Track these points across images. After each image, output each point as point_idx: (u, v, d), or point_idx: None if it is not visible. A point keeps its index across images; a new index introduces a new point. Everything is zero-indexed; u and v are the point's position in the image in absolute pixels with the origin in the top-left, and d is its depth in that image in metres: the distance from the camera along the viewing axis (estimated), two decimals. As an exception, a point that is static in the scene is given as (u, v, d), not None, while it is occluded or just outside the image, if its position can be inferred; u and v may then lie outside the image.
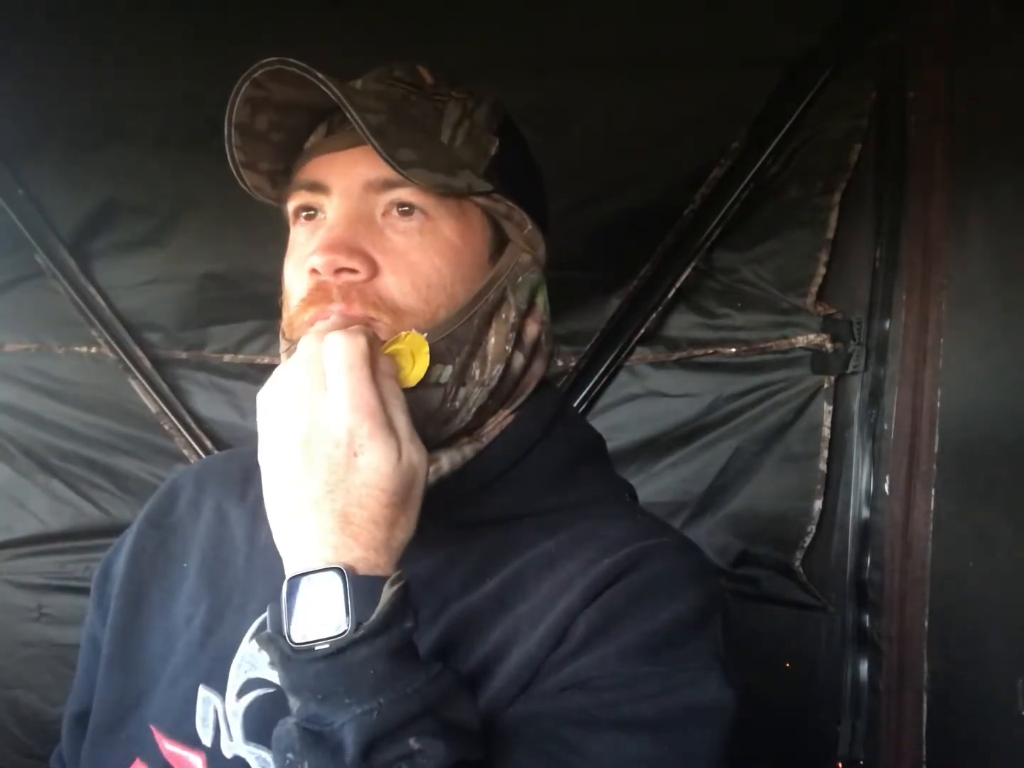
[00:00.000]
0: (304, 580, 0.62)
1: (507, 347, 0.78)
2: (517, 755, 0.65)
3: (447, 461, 0.77)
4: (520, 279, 0.80)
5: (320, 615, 0.61)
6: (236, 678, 0.77)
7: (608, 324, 1.64)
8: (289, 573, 0.63)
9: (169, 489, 0.95)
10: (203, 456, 1.75)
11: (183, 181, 1.69)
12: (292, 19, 1.47)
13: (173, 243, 1.74)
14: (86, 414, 1.83)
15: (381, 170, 0.73)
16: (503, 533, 0.78)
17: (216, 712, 0.77)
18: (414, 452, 0.66)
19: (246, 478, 0.89)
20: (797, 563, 1.53)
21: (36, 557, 1.84)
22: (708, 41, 1.44)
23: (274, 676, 0.66)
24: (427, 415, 0.74)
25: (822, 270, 1.50)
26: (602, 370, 1.65)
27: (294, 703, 0.63)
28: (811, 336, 1.52)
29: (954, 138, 1.34)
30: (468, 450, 0.78)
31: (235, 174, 0.78)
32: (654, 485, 1.63)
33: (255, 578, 0.82)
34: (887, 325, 1.46)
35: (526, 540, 0.77)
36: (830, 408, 1.51)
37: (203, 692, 0.78)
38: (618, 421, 1.65)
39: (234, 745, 0.76)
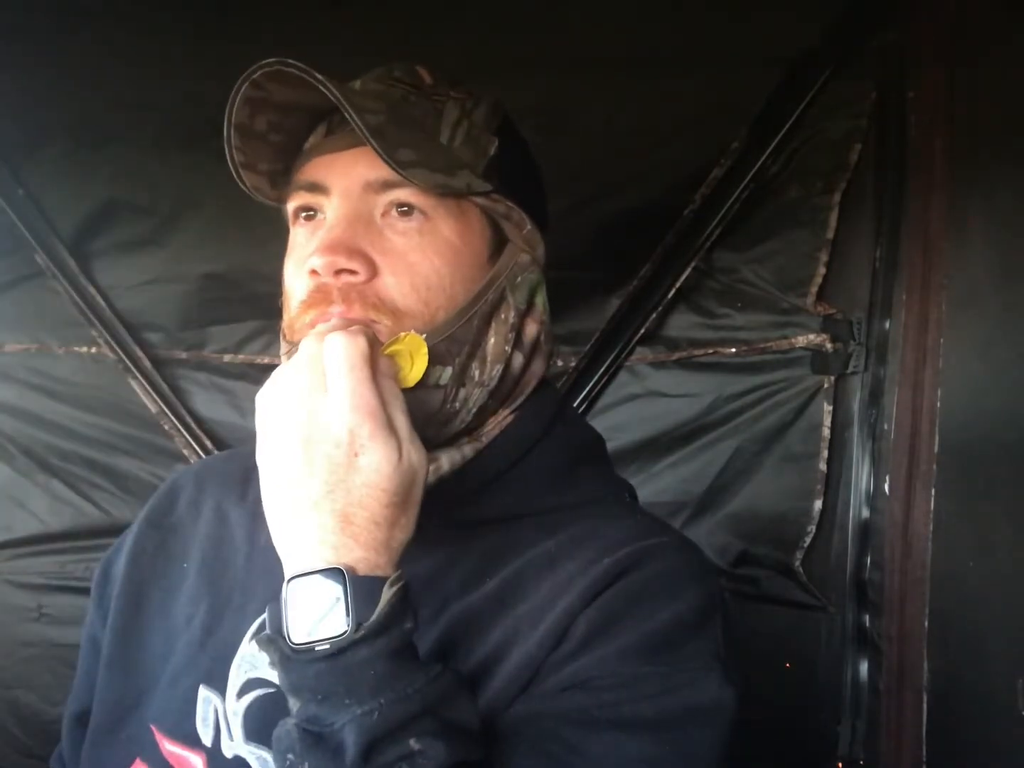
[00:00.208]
0: (304, 580, 0.62)
1: (506, 347, 0.78)
2: (517, 755, 0.65)
3: (447, 461, 0.77)
4: (519, 279, 0.80)
5: (320, 615, 0.61)
6: (236, 678, 0.77)
7: (608, 324, 1.64)
8: (289, 573, 0.63)
9: (169, 489, 0.95)
10: (203, 456, 1.74)
11: (183, 181, 1.69)
12: (292, 19, 1.47)
13: (173, 243, 1.74)
14: (86, 414, 1.83)
15: (380, 170, 0.73)
16: (503, 533, 0.78)
17: (216, 712, 0.77)
18: (414, 452, 0.66)
19: (246, 478, 0.89)
20: (797, 563, 1.52)
21: (36, 557, 1.84)
22: (708, 41, 1.44)
23: (274, 676, 0.65)
24: (428, 416, 0.74)
25: (822, 270, 1.50)
26: (602, 370, 1.65)
27: (294, 704, 0.62)
28: (811, 336, 1.52)
29: (954, 138, 1.34)
30: (468, 450, 0.78)
31: (234, 175, 0.78)
32: (654, 485, 1.63)
33: (255, 578, 0.82)
34: (887, 325, 1.46)
35: (526, 540, 0.77)
36: (830, 408, 1.51)
37: (203, 692, 0.79)
38: (618, 421, 1.65)
39: (234, 745, 0.76)
